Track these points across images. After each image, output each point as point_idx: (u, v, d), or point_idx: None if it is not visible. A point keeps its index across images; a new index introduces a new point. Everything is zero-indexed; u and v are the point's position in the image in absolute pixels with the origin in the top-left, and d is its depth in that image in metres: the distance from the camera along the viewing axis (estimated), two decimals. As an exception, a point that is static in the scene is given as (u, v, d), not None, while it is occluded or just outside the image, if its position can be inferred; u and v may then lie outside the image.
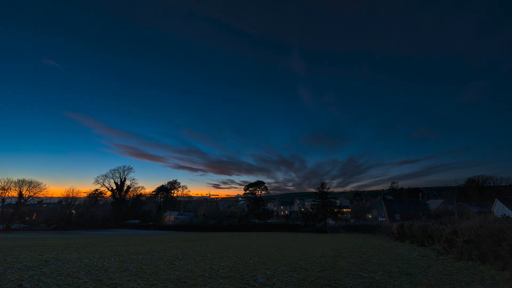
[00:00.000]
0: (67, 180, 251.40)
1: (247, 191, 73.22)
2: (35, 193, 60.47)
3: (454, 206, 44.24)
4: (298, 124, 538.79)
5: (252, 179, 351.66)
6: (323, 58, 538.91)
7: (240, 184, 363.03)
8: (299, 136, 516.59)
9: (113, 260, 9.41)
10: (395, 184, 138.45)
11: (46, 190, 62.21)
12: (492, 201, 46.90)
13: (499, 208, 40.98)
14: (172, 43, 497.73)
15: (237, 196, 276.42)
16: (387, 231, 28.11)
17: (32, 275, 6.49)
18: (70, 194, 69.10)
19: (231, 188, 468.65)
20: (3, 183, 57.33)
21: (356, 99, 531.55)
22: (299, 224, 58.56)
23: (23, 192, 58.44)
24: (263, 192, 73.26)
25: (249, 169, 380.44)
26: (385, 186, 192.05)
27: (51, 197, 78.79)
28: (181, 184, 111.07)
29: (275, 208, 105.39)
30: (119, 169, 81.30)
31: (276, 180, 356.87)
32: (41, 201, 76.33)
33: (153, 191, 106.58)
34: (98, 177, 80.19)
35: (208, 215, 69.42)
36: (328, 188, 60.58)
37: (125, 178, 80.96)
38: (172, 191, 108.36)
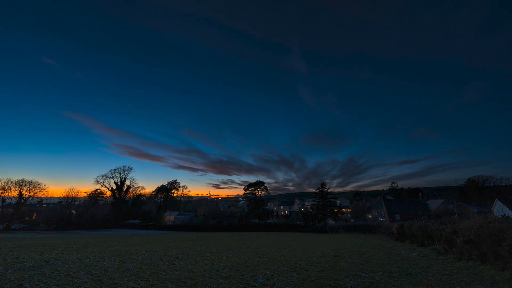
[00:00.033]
0: (67, 180, 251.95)
1: (247, 191, 73.22)
2: (35, 193, 60.49)
3: (454, 206, 44.25)
4: (298, 124, 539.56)
5: (252, 179, 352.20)
6: (323, 58, 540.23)
7: (240, 184, 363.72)
8: (299, 136, 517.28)
9: (113, 260, 9.41)
10: (395, 184, 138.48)
11: (46, 190, 62.29)
12: (492, 201, 46.90)
13: (499, 208, 40.97)
14: (172, 43, 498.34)
15: (237, 196, 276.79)
16: (387, 231, 28.11)
17: (32, 275, 6.49)
18: (70, 194, 69.14)
19: (231, 188, 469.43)
20: (3, 183, 57.37)
21: (356, 99, 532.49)
22: (299, 224, 58.55)
23: (23, 192, 58.44)
24: (263, 192, 73.27)
25: (249, 169, 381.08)
26: (385, 186, 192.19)
27: (51, 197, 78.86)
28: (181, 184, 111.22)
29: (275, 208, 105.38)
30: (119, 169, 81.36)
31: (276, 180, 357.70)
32: (41, 201, 76.32)
33: (153, 191, 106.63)
34: (98, 177, 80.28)
35: (208, 215, 69.42)
36: (328, 188, 60.59)
37: (125, 178, 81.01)
38: (172, 191, 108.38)
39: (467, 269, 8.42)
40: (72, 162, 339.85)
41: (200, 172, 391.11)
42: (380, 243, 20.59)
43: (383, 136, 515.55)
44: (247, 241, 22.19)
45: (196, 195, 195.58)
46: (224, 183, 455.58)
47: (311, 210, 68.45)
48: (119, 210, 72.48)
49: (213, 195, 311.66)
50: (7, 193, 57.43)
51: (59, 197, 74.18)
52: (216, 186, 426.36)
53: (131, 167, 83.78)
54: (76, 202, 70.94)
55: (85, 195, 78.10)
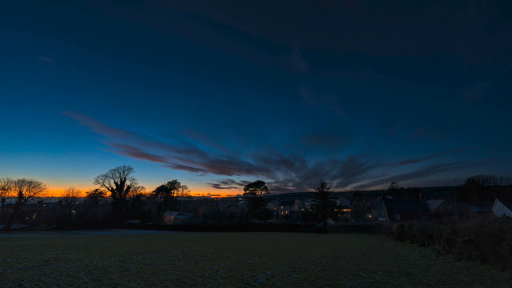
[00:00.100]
0: (67, 180, 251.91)
1: (247, 191, 73.25)
2: (35, 193, 60.55)
3: (454, 206, 44.26)
4: (298, 124, 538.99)
5: (252, 179, 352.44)
6: (323, 58, 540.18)
7: (240, 184, 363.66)
8: (300, 135, 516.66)
9: (113, 260, 9.41)
10: (395, 184, 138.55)
11: (46, 190, 62.39)
12: (492, 201, 46.93)
13: (499, 208, 40.99)
14: (172, 42, 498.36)
15: (237, 196, 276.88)
16: (387, 231, 28.10)
17: (32, 275, 6.50)
18: (70, 194, 69.21)
19: (231, 188, 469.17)
20: (3, 183, 57.42)
21: (356, 99, 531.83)
22: (299, 224, 58.57)
23: (23, 192, 58.49)
24: (263, 192, 73.31)
25: (249, 169, 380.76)
26: (385, 186, 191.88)
27: (51, 197, 79.02)
28: (181, 184, 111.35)
29: (275, 208, 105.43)
30: (119, 169, 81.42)
31: (276, 180, 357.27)
32: (41, 201, 76.44)
33: (153, 191, 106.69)
34: (98, 177, 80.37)
35: (208, 215, 69.42)
36: (328, 188, 60.63)
37: (125, 178, 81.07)
38: (172, 191, 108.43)
39: (467, 269, 8.42)
40: (72, 162, 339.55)
41: (200, 172, 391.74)
42: (380, 243, 20.59)
43: (383, 136, 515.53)
44: (247, 241, 22.19)
45: (196, 195, 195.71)
46: (224, 183, 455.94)
47: (311, 210, 68.47)
48: (119, 210, 72.52)
49: (213, 195, 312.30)
50: (7, 193, 57.52)
51: (59, 197, 74.32)
52: (216, 186, 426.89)
53: (131, 167, 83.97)
54: (76, 202, 71.01)
55: (85, 195, 78.26)
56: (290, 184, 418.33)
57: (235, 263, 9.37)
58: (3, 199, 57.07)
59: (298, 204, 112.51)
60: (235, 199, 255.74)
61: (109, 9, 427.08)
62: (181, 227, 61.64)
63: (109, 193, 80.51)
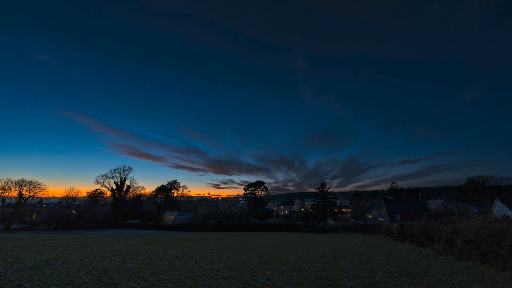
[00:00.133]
0: (67, 180, 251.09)
1: (247, 191, 73.28)
2: (35, 193, 60.60)
3: (454, 206, 44.28)
4: (299, 124, 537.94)
5: (252, 179, 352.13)
6: (323, 58, 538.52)
7: (240, 184, 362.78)
8: (300, 135, 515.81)
9: (113, 260, 9.41)
10: (395, 184, 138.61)
11: (46, 190, 62.49)
12: (492, 201, 46.94)
13: (499, 208, 41.00)
14: (172, 42, 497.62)
15: (237, 196, 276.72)
16: (387, 231, 28.11)
17: (32, 275, 6.50)
18: (70, 194, 69.25)
19: (231, 188, 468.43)
20: (3, 183, 57.47)
21: (357, 99, 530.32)
22: (299, 224, 58.60)
23: (23, 192, 58.53)
24: (263, 192, 73.35)
25: (249, 169, 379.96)
26: (385, 186, 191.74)
27: (51, 197, 79.15)
28: (181, 184, 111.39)
29: (275, 208, 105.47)
30: (119, 169, 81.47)
31: (276, 180, 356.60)
32: (41, 201, 76.48)
33: (153, 191, 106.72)
34: (98, 177, 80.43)
35: (208, 215, 69.45)
36: (328, 188, 60.66)
37: (125, 178, 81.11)
38: (172, 191, 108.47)
39: (467, 269, 8.42)
40: (72, 162, 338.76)
41: (200, 172, 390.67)
42: (380, 243, 20.60)
43: (384, 136, 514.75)
44: (247, 241, 22.19)
45: (196, 195, 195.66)
46: (224, 183, 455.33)
47: (311, 210, 68.51)
48: (119, 210, 72.54)
49: (213, 195, 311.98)
50: (7, 193, 57.59)
51: (59, 197, 74.40)
52: (216, 186, 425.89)
53: (131, 167, 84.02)
54: (76, 202, 71.05)
55: (85, 195, 78.27)
56: (290, 184, 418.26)
57: (235, 263, 9.38)
58: (3, 199, 57.11)
59: (298, 204, 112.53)
60: (235, 199, 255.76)
61: (109, 9, 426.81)
62: (181, 227, 61.66)
63: (109, 193, 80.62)
